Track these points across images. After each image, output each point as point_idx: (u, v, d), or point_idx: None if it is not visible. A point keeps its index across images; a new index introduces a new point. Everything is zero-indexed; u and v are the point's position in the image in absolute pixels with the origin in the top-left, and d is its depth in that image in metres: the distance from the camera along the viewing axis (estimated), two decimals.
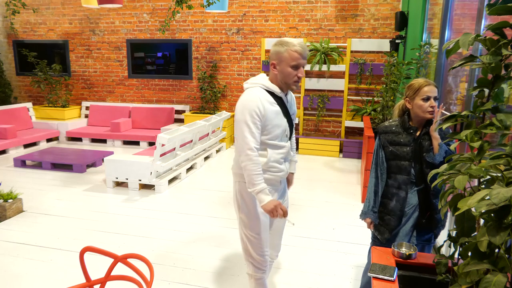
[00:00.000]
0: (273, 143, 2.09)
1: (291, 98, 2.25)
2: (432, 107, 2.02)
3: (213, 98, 7.45)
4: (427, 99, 2.03)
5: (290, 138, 2.25)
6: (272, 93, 2.07)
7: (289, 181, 2.44)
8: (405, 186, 2.11)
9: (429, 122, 2.10)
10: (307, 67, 6.85)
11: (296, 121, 6.95)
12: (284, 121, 2.10)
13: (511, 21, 1.14)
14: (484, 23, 2.44)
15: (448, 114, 1.49)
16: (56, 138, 7.76)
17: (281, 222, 2.40)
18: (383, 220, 2.19)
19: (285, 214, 2.00)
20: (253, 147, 1.98)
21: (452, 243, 1.32)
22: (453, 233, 1.31)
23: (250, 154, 1.97)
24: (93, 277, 2.01)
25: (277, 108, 2.06)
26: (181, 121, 7.90)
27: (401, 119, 2.17)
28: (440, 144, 2.01)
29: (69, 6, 8.02)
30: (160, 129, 7.50)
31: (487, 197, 1.00)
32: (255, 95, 2.01)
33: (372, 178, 2.22)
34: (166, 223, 3.94)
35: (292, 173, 2.43)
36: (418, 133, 2.12)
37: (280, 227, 2.41)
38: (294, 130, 2.32)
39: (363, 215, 2.25)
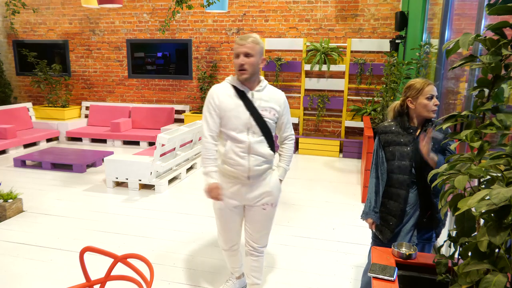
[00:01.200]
0: (232, 135, 2.18)
1: (263, 94, 2.22)
2: (435, 105, 2.06)
3: None
4: (431, 97, 2.07)
5: (266, 136, 2.21)
6: (236, 88, 2.22)
7: None
8: (406, 186, 2.11)
9: (428, 121, 2.11)
10: (307, 67, 6.85)
11: (296, 121, 7.03)
12: (245, 115, 2.16)
13: (511, 21, 1.14)
14: (484, 23, 2.44)
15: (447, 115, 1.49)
16: (56, 138, 7.76)
17: (256, 215, 2.35)
18: (385, 220, 2.19)
19: (218, 199, 2.23)
20: (206, 134, 2.20)
21: (452, 243, 1.32)
22: (453, 233, 1.31)
23: (203, 140, 2.22)
24: (93, 277, 2.01)
25: (237, 100, 2.18)
26: (181, 121, 7.89)
27: (400, 119, 2.18)
28: (438, 161, 2.02)
29: (69, 6, 8.02)
30: (160, 129, 7.50)
31: (487, 197, 1.00)
32: (214, 88, 2.24)
33: (372, 178, 2.22)
34: (166, 223, 3.94)
35: (280, 180, 2.39)
36: (417, 133, 2.13)
37: (256, 219, 2.36)
38: (285, 134, 2.34)
39: (365, 216, 2.25)
